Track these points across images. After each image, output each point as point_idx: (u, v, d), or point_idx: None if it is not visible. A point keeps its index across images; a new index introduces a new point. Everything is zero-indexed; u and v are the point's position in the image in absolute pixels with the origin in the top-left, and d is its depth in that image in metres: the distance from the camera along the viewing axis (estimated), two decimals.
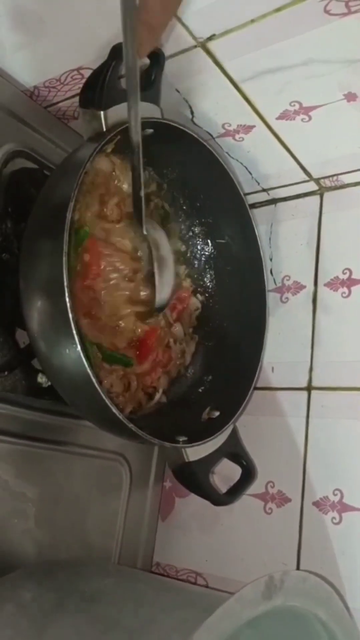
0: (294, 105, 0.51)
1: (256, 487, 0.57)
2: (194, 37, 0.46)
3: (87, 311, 0.49)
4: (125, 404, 0.53)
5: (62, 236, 0.40)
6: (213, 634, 0.29)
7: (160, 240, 0.52)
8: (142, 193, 0.46)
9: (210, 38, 0.46)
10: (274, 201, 0.65)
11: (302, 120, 0.53)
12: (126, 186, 0.51)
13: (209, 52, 0.47)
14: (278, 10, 0.42)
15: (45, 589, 0.38)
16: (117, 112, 0.45)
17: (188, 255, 0.60)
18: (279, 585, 0.33)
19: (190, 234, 0.60)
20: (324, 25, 0.43)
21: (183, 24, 0.45)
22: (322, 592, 0.38)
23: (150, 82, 0.48)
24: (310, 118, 0.53)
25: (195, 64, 0.48)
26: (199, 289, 0.61)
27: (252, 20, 0.44)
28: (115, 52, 0.45)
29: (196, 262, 0.61)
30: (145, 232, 0.50)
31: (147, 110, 0.48)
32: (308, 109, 0.52)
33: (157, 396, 0.56)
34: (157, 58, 0.47)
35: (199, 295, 0.61)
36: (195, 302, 0.60)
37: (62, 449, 0.53)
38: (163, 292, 0.51)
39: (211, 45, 0.46)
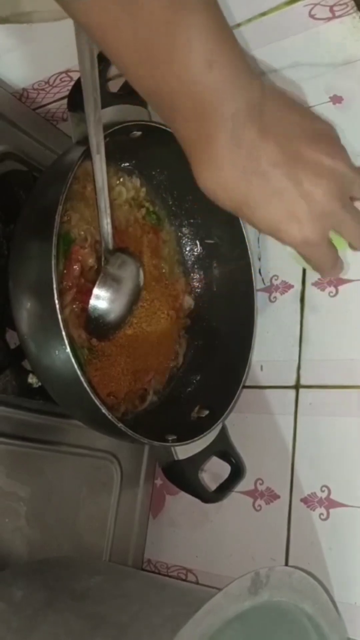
0: None
1: (245, 484, 0.58)
2: None
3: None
4: (118, 406, 0.53)
5: (51, 239, 0.41)
6: (200, 628, 0.30)
7: (128, 263, 0.50)
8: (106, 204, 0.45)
9: None
10: None
11: None
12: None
13: None
14: (263, 14, 0.43)
15: (35, 587, 0.39)
16: (106, 116, 0.45)
17: (178, 256, 0.61)
18: (264, 581, 0.34)
19: (179, 234, 0.61)
20: (309, 30, 0.44)
21: None
22: (308, 586, 0.39)
23: None
24: None
25: None
26: (187, 289, 0.61)
27: (239, 25, 0.44)
28: (103, 56, 0.45)
29: (185, 262, 0.61)
30: (110, 247, 0.48)
31: (134, 112, 0.48)
32: None
33: (149, 397, 0.56)
34: None
35: (187, 296, 0.61)
36: (189, 300, 0.61)
37: (53, 448, 0.54)
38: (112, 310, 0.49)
39: None
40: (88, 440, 0.56)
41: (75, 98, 0.46)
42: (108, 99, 0.46)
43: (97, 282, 0.48)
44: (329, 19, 0.43)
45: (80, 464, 0.56)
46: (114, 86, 0.50)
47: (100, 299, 0.48)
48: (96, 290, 0.48)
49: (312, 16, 0.42)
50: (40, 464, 0.52)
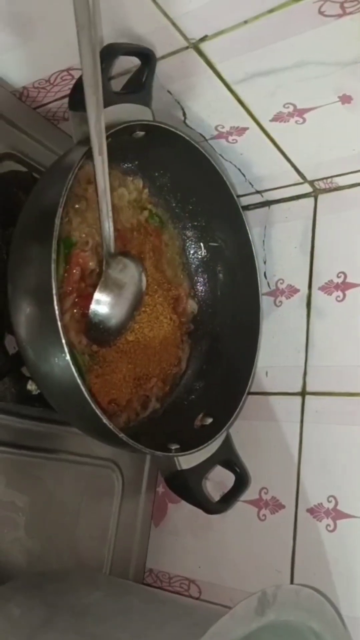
0: (288, 107, 0.51)
1: (250, 493, 0.57)
2: (186, 38, 0.45)
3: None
4: (120, 413, 0.52)
5: (51, 242, 0.40)
6: None
7: (130, 267, 0.48)
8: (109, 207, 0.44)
9: (203, 39, 0.45)
10: (267, 203, 0.65)
11: (296, 122, 0.52)
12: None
13: (201, 54, 0.46)
14: (271, 11, 0.41)
15: (34, 603, 0.37)
16: (108, 115, 0.44)
17: (181, 260, 0.60)
18: (271, 601, 0.33)
19: (183, 237, 0.59)
20: (319, 27, 0.42)
21: (175, 25, 0.44)
22: (315, 603, 0.38)
23: (141, 83, 0.47)
24: (304, 120, 0.52)
25: (188, 65, 0.47)
26: (190, 293, 0.60)
27: (245, 22, 0.43)
28: (105, 53, 0.44)
29: (189, 265, 0.60)
30: (111, 251, 0.46)
31: (138, 112, 0.47)
32: (302, 111, 0.51)
33: (151, 405, 0.55)
34: (148, 59, 0.46)
35: (190, 300, 0.60)
36: (193, 304, 0.59)
37: (53, 456, 0.52)
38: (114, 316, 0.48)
39: (203, 46, 0.45)
40: (88, 448, 0.55)
41: (77, 97, 0.44)
42: (110, 97, 0.45)
43: (98, 287, 0.47)
44: (339, 15, 0.41)
45: (81, 472, 0.54)
46: (117, 85, 0.49)
47: (101, 304, 0.47)
48: (97, 295, 0.47)
49: (321, 13, 0.41)
50: (39, 472, 0.51)
